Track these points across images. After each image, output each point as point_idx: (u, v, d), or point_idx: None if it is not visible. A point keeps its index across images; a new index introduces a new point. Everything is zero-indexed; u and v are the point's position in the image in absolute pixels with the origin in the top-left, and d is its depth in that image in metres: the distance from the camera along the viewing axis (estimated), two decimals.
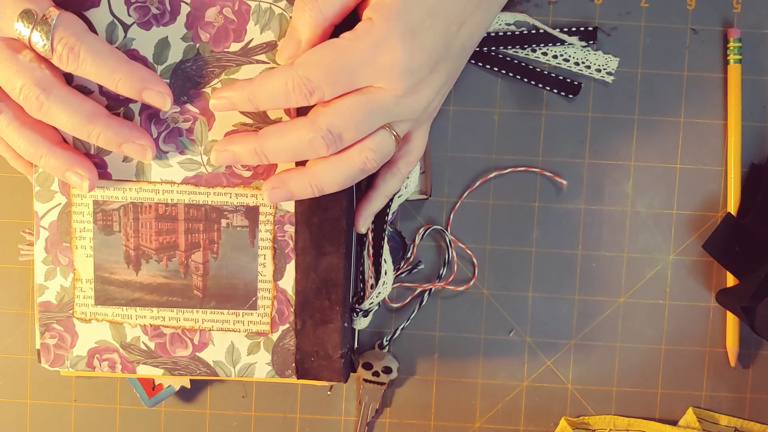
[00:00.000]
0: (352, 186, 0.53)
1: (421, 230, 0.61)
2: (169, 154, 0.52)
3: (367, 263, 0.57)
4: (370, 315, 0.59)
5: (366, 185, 0.56)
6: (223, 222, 0.52)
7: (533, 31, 0.59)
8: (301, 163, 0.50)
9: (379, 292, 0.57)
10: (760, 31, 0.61)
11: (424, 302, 0.62)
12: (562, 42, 0.60)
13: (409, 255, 0.61)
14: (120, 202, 0.52)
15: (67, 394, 0.63)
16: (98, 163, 0.51)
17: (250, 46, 0.50)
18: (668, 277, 0.62)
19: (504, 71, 0.60)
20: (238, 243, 0.53)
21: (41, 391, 0.63)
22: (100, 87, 0.50)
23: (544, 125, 0.61)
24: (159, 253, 0.53)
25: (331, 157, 0.48)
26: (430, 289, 0.62)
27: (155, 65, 0.50)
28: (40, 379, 0.63)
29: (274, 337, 0.54)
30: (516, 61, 0.60)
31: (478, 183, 0.61)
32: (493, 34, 0.59)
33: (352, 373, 0.61)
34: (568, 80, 0.60)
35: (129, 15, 0.50)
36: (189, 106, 0.51)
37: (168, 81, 0.50)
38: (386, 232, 0.57)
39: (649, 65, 0.61)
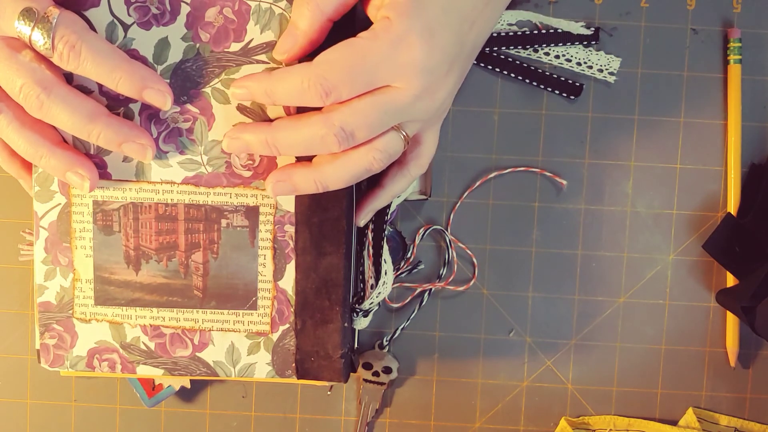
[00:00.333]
0: (353, 185, 0.52)
1: (421, 230, 0.61)
2: (169, 154, 0.51)
3: (367, 263, 0.56)
4: (370, 315, 0.58)
5: (366, 184, 0.55)
6: (223, 222, 0.52)
7: (535, 31, 0.59)
8: (303, 157, 0.50)
9: (379, 292, 0.57)
10: (760, 31, 0.60)
11: (424, 302, 0.61)
12: (564, 42, 0.59)
13: (409, 255, 0.61)
14: (120, 202, 0.52)
15: (67, 394, 0.63)
16: (98, 163, 0.51)
17: (250, 46, 0.50)
18: (668, 277, 0.61)
19: (506, 72, 0.60)
20: (238, 243, 0.52)
21: (41, 391, 0.63)
22: (100, 87, 0.49)
23: (544, 125, 0.61)
24: (159, 253, 0.52)
25: (339, 154, 0.48)
26: (430, 289, 0.61)
27: (155, 65, 0.50)
28: (40, 379, 0.62)
29: (274, 337, 0.53)
30: (518, 62, 0.60)
31: (478, 183, 0.61)
32: (495, 34, 0.59)
33: (352, 373, 0.60)
34: (570, 81, 0.60)
35: (129, 15, 0.49)
36: (189, 106, 0.50)
37: (168, 81, 0.50)
38: (386, 232, 0.56)
39: (649, 65, 0.60)
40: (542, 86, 0.60)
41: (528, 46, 0.59)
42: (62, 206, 0.52)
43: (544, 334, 0.62)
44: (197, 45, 0.50)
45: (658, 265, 0.61)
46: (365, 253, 0.56)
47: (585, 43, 0.59)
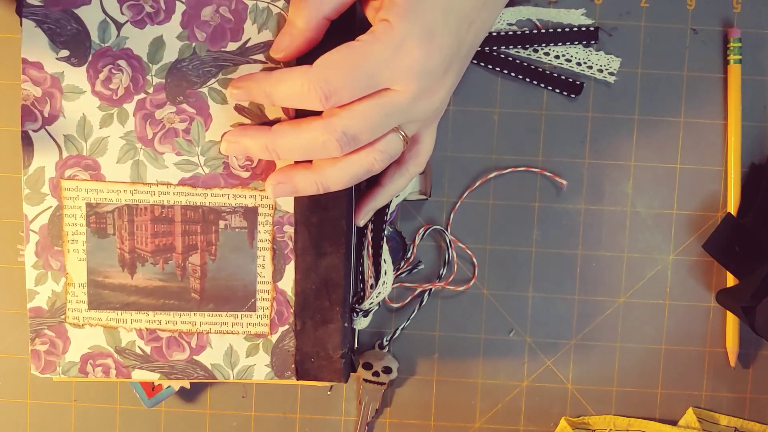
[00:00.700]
0: (352, 185, 0.49)
1: (421, 230, 0.59)
2: (165, 155, 0.48)
3: (367, 263, 0.54)
4: (370, 315, 0.56)
5: (366, 184, 0.53)
6: (221, 223, 0.49)
7: (535, 31, 0.56)
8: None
9: (379, 292, 0.55)
10: (760, 31, 0.58)
11: (424, 302, 0.59)
12: (564, 41, 0.57)
13: (409, 255, 0.59)
14: (114, 204, 0.49)
15: (67, 394, 0.60)
16: (91, 165, 0.48)
17: (247, 45, 0.47)
18: (668, 277, 0.59)
19: (506, 71, 0.58)
20: (237, 244, 0.50)
21: (41, 391, 0.60)
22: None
23: (544, 125, 0.58)
24: (155, 256, 0.49)
25: (340, 156, 0.46)
26: (430, 289, 0.59)
27: (150, 65, 0.47)
28: (40, 379, 0.60)
29: (274, 338, 0.51)
30: (518, 61, 0.57)
31: (478, 183, 0.58)
32: (495, 34, 0.57)
33: (352, 373, 0.58)
34: (570, 80, 0.57)
35: (122, 13, 0.46)
36: (185, 106, 0.48)
37: (163, 81, 0.47)
38: (386, 232, 0.54)
39: (649, 65, 0.58)
40: (542, 85, 0.58)
41: (528, 46, 0.57)
42: (53, 209, 0.49)
43: (544, 334, 0.59)
44: (193, 44, 0.47)
45: (658, 265, 0.59)
46: (365, 253, 0.54)
47: (585, 42, 0.57)
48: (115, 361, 0.51)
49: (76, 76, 0.47)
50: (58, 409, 0.60)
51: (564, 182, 0.58)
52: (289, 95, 0.44)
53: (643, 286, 0.59)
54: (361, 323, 0.56)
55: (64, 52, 0.47)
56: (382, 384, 0.59)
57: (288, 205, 0.49)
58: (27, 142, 0.48)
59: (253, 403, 0.60)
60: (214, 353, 0.51)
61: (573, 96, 0.57)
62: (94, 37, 0.47)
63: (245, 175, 0.49)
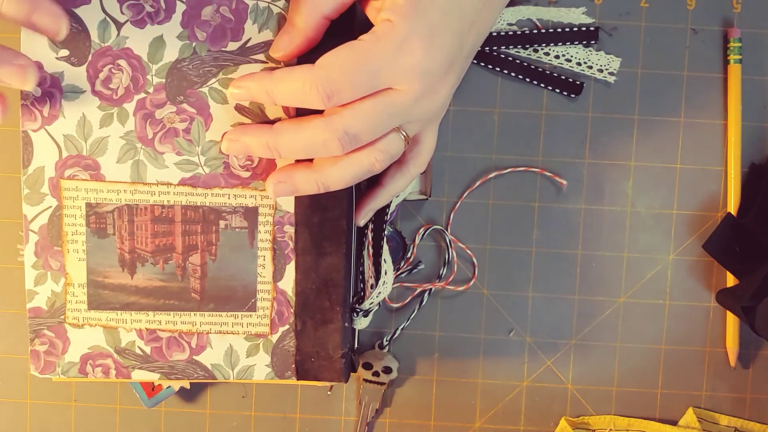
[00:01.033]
0: (353, 185, 0.50)
1: (421, 230, 0.58)
2: (165, 155, 0.48)
3: (367, 263, 0.54)
4: (370, 315, 0.56)
5: (366, 184, 0.53)
6: (222, 223, 0.49)
7: (535, 31, 0.56)
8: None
9: (379, 292, 0.54)
10: (760, 31, 0.58)
11: (424, 302, 0.59)
12: (564, 41, 0.56)
13: (409, 255, 0.59)
14: (114, 204, 0.48)
15: (67, 394, 0.60)
16: (91, 164, 0.47)
17: (248, 45, 0.47)
18: (668, 277, 0.59)
19: (506, 71, 0.57)
20: (237, 244, 0.49)
21: (41, 391, 0.60)
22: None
23: (544, 125, 0.58)
24: (155, 256, 0.49)
25: (340, 156, 0.46)
26: (430, 289, 0.59)
27: (150, 64, 0.47)
28: (40, 379, 0.59)
29: (274, 338, 0.51)
30: (518, 61, 0.57)
31: (478, 183, 0.58)
32: (495, 34, 0.56)
33: (352, 373, 0.58)
34: (570, 80, 0.57)
35: (122, 12, 0.46)
36: (186, 106, 0.47)
37: (163, 81, 0.47)
38: (386, 232, 0.54)
39: (649, 65, 0.58)
40: (542, 85, 0.57)
41: (528, 46, 0.57)
42: (53, 209, 0.49)
43: (544, 334, 0.59)
44: (193, 44, 0.47)
45: (658, 265, 0.59)
46: (365, 253, 0.54)
47: (585, 42, 0.57)
48: (114, 361, 0.50)
49: (75, 75, 0.47)
50: (58, 409, 0.60)
51: (564, 182, 0.58)
52: (290, 94, 0.44)
53: (643, 286, 0.59)
54: (361, 323, 0.56)
55: (64, 52, 0.47)
56: (382, 384, 0.59)
57: (288, 205, 0.49)
58: (26, 142, 0.48)
59: (253, 403, 0.60)
60: (215, 353, 0.50)
61: (573, 96, 0.57)
62: (94, 36, 0.46)
63: (246, 175, 0.49)
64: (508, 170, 0.58)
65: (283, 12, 0.47)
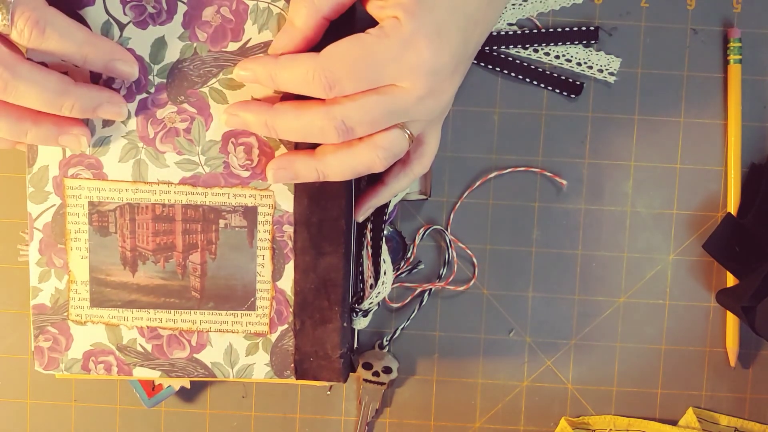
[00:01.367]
0: (351, 185, 0.51)
1: (421, 230, 0.59)
2: (166, 155, 0.49)
3: (367, 263, 0.55)
4: (370, 315, 0.57)
5: (366, 183, 0.54)
6: (221, 222, 0.50)
7: (535, 30, 0.57)
8: (305, 145, 0.48)
9: (379, 292, 0.55)
10: (760, 31, 0.59)
11: (424, 302, 0.60)
12: (564, 41, 0.57)
13: (409, 255, 0.60)
14: (116, 203, 0.50)
15: (67, 394, 0.61)
16: (94, 163, 0.49)
17: (248, 45, 0.48)
18: (668, 277, 0.60)
19: (506, 71, 0.58)
20: (237, 243, 0.50)
21: (41, 391, 0.61)
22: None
23: (544, 125, 0.59)
24: (156, 254, 0.50)
25: (343, 148, 0.46)
26: (430, 289, 0.60)
27: (152, 65, 0.48)
28: (40, 379, 0.61)
29: (273, 337, 0.52)
30: (518, 61, 0.58)
31: (478, 183, 0.59)
32: (495, 34, 0.57)
33: (352, 373, 0.59)
34: (570, 80, 0.58)
35: (125, 14, 0.47)
36: (186, 106, 0.49)
37: (165, 81, 0.48)
38: (385, 232, 0.55)
39: (649, 65, 0.59)
40: (542, 85, 0.58)
41: (528, 46, 0.58)
42: (57, 207, 0.50)
43: (544, 334, 0.60)
44: (194, 44, 0.48)
45: (658, 265, 0.60)
46: (364, 252, 0.55)
47: (585, 42, 0.58)
48: (116, 358, 0.51)
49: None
50: (58, 409, 0.61)
51: (564, 182, 0.59)
52: (293, 81, 0.45)
53: (643, 286, 0.60)
54: (361, 323, 0.56)
55: None
56: (382, 384, 0.59)
57: (288, 205, 0.50)
58: None
59: (253, 403, 0.61)
60: (214, 351, 0.51)
61: (573, 96, 0.58)
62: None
63: (245, 174, 0.50)
64: (508, 170, 0.59)
65: (282, 12, 0.47)
